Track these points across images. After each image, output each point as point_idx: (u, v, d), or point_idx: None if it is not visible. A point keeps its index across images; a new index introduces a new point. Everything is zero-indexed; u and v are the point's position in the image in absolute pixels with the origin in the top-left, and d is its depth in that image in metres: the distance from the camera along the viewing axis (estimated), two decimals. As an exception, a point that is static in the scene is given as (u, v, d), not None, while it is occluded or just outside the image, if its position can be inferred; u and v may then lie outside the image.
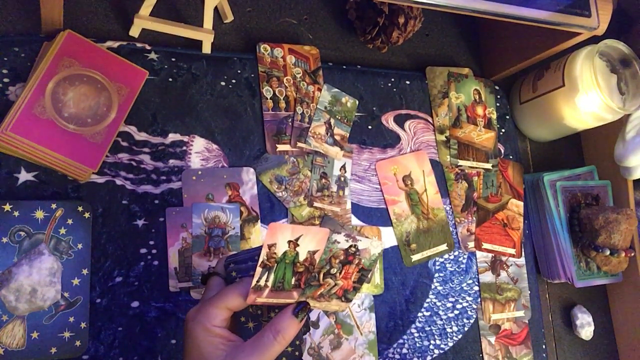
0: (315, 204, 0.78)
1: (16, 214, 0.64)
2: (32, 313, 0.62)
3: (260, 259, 0.50)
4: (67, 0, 0.70)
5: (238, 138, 0.77)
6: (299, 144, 0.79)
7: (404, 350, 0.80)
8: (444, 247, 0.85)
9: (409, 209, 0.84)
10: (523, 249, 0.90)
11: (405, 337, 0.81)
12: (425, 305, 0.83)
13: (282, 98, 0.80)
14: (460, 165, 0.89)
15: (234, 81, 0.78)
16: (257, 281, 0.51)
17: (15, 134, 0.62)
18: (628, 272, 0.92)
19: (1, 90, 0.67)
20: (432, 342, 0.82)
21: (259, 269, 0.50)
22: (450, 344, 0.83)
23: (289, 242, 0.49)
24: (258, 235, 0.75)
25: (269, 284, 0.51)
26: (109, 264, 0.68)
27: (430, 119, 0.90)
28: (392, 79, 0.88)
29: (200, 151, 0.75)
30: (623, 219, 0.85)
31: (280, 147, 0.78)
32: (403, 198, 0.84)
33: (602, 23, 0.76)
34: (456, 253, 0.86)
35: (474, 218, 0.88)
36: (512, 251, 0.89)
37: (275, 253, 0.50)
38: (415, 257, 0.83)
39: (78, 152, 0.66)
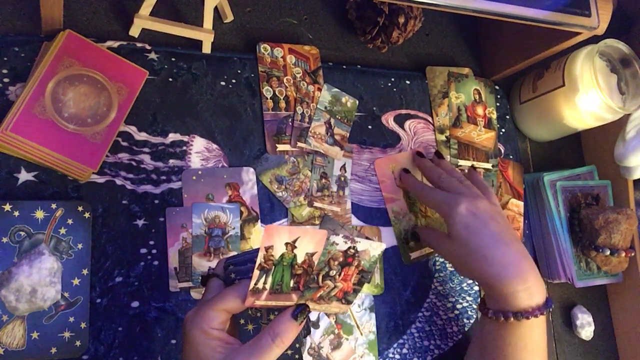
0: (315, 204, 0.78)
1: (16, 214, 0.64)
2: (32, 313, 0.63)
3: (258, 262, 0.50)
4: (67, 0, 0.70)
5: (238, 138, 0.77)
6: (299, 144, 0.79)
7: (404, 350, 0.80)
8: (443, 245, 0.85)
9: (407, 207, 0.84)
10: (523, 249, 0.90)
11: (405, 337, 0.81)
12: (425, 305, 0.83)
13: (282, 98, 0.80)
14: (461, 165, 0.89)
15: (234, 81, 0.78)
16: (255, 284, 0.51)
17: (15, 134, 0.63)
18: (628, 272, 0.92)
19: (1, 90, 0.67)
20: (432, 342, 0.82)
21: (256, 272, 0.50)
22: (451, 344, 0.83)
23: (286, 244, 0.49)
24: (258, 235, 0.75)
25: (267, 286, 0.51)
26: (109, 264, 0.68)
27: (430, 119, 0.89)
28: (392, 79, 0.88)
29: (200, 151, 0.75)
30: (623, 219, 0.85)
31: (280, 147, 0.78)
32: (401, 196, 0.84)
33: (602, 23, 0.76)
34: (456, 253, 0.86)
35: (474, 218, 0.88)
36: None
37: (272, 255, 0.50)
38: (414, 255, 0.83)
39: (78, 152, 0.66)
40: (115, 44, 0.73)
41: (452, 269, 0.85)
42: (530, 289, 0.67)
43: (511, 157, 0.94)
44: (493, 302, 0.70)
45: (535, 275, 0.69)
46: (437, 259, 0.85)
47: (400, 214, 0.84)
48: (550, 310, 0.68)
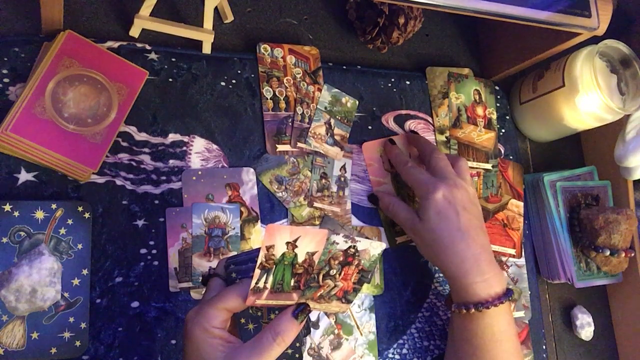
0: (316, 204, 0.78)
1: (16, 214, 0.64)
2: (32, 313, 0.63)
3: (259, 261, 0.50)
4: (67, 0, 0.70)
5: (238, 138, 0.77)
6: (299, 144, 0.79)
7: (404, 351, 0.80)
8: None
9: (395, 191, 0.84)
10: (523, 249, 0.90)
11: (405, 337, 0.81)
12: (425, 305, 0.83)
13: (282, 98, 0.80)
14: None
15: (234, 81, 0.78)
16: (256, 283, 0.51)
17: (15, 134, 0.62)
18: (628, 273, 0.92)
19: (1, 90, 0.67)
20: (432, 342, 0.82)
21: (257, 271, 0.50)
22: (450, 344, 0.83)
23: (287, 243, 0.49)
24: (258, 235, 0.75)
25: (268, 285, 0.51)
26: (109, 264, 0.68)
27: (430, 119, 0.89)
28: (392, 79, 0.88)
29: (200, 151, 0.75)
30: (623, 219, 0.85)
31: (280, 148, 0.78)
32: (389, 180, 0.84)
33: (602, 23, 0.76)
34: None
35: (474, 218, 0.88)
36: (512, 251, 0.89)
37: (273, 255, 0.50)
38: (400, 240, 0.83)
39: (78, 152, 0.66)
40: (115, 44, 0.73)
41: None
42: (488, 281, 0.70)
43: (511, 157, 0.94)
44: (455, 294, 0.72)
45: (495, 268, 0.71)
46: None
47: None
48: (511, 299, 0.71)
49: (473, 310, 0.69)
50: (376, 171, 0.84)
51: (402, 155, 0.82)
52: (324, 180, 0.80)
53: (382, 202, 0.81)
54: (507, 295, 0.70)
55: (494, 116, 0.94)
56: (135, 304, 0.68)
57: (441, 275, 0.84)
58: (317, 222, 0.78)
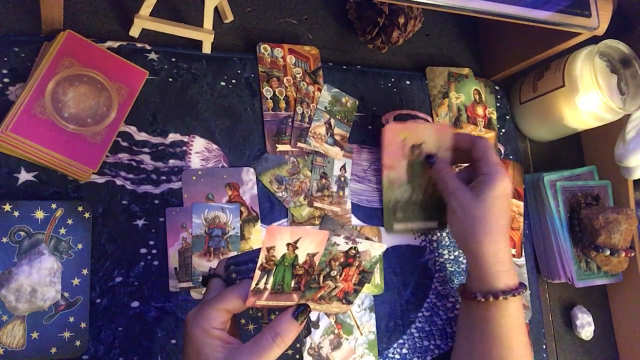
0: (316, 204, 0.78)
1: (16, 214, 0.64)
2: (32, 313, 0.63)
3: (259, 262, 0.50)
4: (67, 0, 0.70)
5: (238, 138, 0.77)
6: (299, 144, 0.79)
7: (404, 350, 0.80)
8: (433, 224, 0.84)
9: (407, 178, 0.82)
10: (523, 249, 0.90)
11: (405, 337, 0.81)
12: (425, 305, 0.83)
13: (282, 98, 0.80)
14: (461, 166, 0.88)
15: (234, 81, 0.78)
16: (257, 284, 0.51)
17: (15, 134, 0.62)
18: (628, 272, 0.92)
19: (1, 90, 0.67)
20: (432, 342, 0.82)
21: (257, 272, 0.50)
22: (451, 344, 0.83)
23: (288, 244, 0.49)
24: (258, 235, 0.75)
25: (269, 286, 0.51)
26: (109, 264, 0.68)
27: (430, 119, 0.89)
28: (392, 79, 0.88)
29: (200, 151, 0.75)
30: (623, 219, 0.85)
31: (280, 147, 0.78)
32: (403, 166, 0.82)
33: (602, 23, 0.76)
34: (456, 253, 0.86)
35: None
36: (512, 251, 0.89)
37: (274, 256, 0.50)
38: (398, 227, 0.83)
39: (78, 152, 0.66)
40: (115, 44, 0.73)
41: (452, 269, 0.85)
42: (509, 272, 0.73)
43: (511, 157, 0.94)
44: (479, 282, 0.73)
45: (513, 264, 0.75)
46: (436, 258, 0.85)
47: (396, 183, 0.82)
48: (523, 292, 0.73)
49: (501, 297, 0.71)
50: (392, 153, 0.81)
51: None
52: (324, 180, 0.80)
53: (437, 165, 0.80)
54: (524, 286, 0.73)
55: (494, 116, 0.94)
56: (135, 304, 0.68)
57: (441, 275, 0.84)
58: (317, 222, 0.78)
